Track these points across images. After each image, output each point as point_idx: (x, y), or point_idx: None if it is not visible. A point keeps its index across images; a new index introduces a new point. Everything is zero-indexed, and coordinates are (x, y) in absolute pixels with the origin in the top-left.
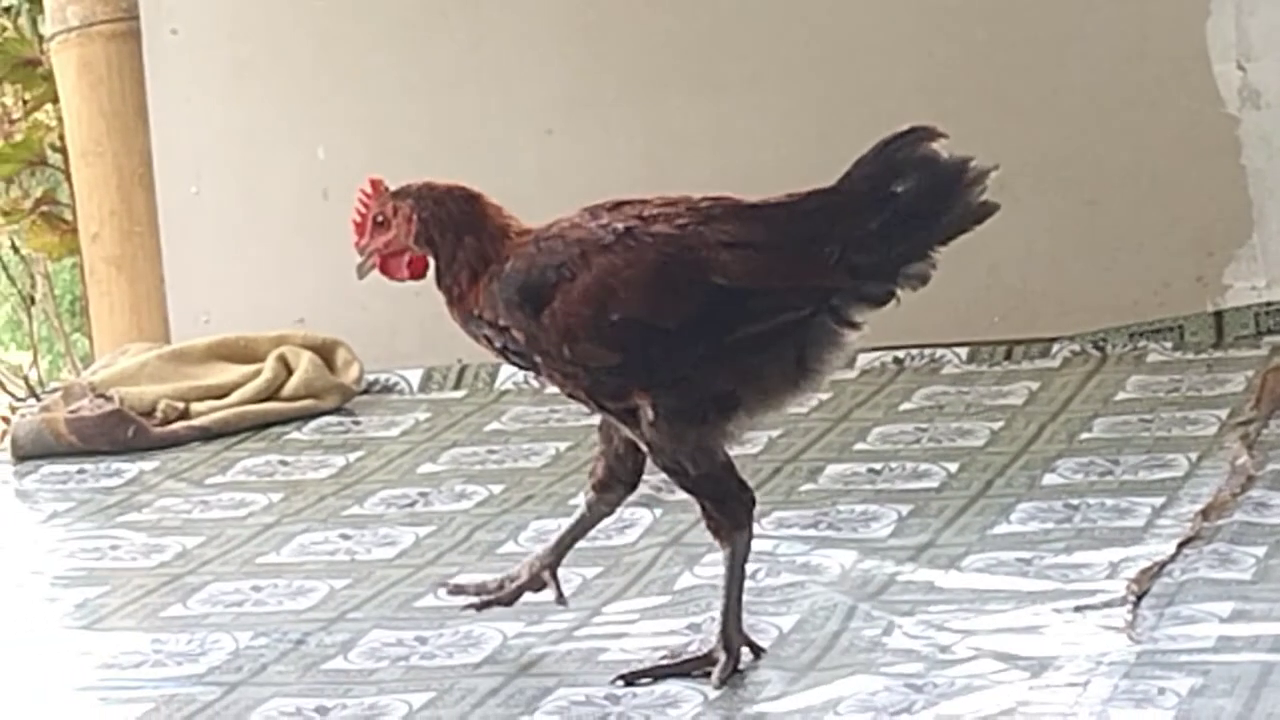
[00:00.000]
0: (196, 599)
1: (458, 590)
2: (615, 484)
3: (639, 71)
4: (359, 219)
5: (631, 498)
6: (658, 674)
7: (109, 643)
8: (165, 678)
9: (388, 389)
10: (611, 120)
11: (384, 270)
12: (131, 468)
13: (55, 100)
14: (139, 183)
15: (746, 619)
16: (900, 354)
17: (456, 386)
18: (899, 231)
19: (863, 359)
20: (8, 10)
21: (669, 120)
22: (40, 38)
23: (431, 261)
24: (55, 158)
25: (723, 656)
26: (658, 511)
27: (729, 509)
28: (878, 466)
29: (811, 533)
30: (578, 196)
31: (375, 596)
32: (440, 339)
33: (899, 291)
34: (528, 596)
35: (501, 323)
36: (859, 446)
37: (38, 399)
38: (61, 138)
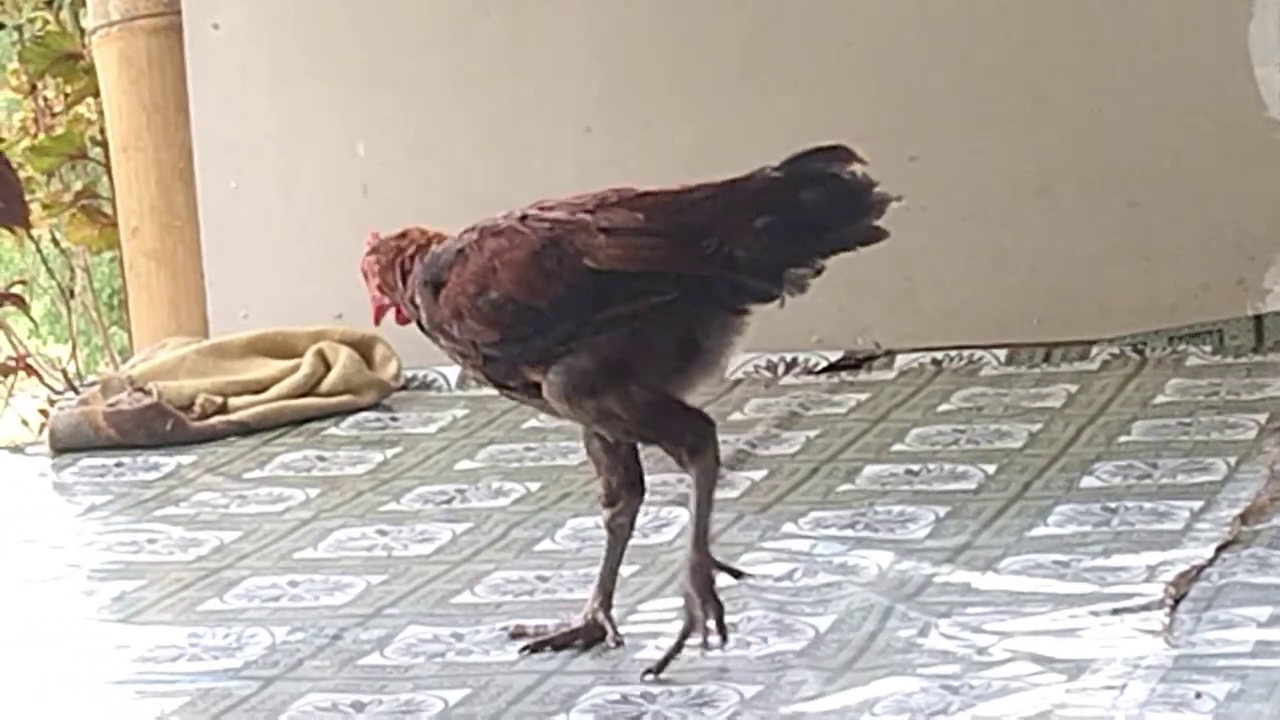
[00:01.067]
0: (233, 593)
1: (519, 632)
2: (621, 492)
3: (678, 69)
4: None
5: (669, 497)
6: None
7: (146, 636)
8: (201, 671)
9: (426, 385)
10: (651, 118)
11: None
12: (169, 462)
13: (96, 94)
14: (179, 177)
15: (783, 618)
16: (939, 355)
17: None
18: (785, 235)
19: (901, 360)
20: (50, 4)
21: (708, 118)
22: (82, 31)
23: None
24: (96, 151)
25: (695, 610)
26: None
27: (676, 436)
28: (915, 468)
29: (849, 533)
30: None
31: (412, 593)
32: None
33: (781, 293)
34: (564, 595)
35: (416, 300)
36: (897, 447)
37: (76, 392)
38: (102, 131)
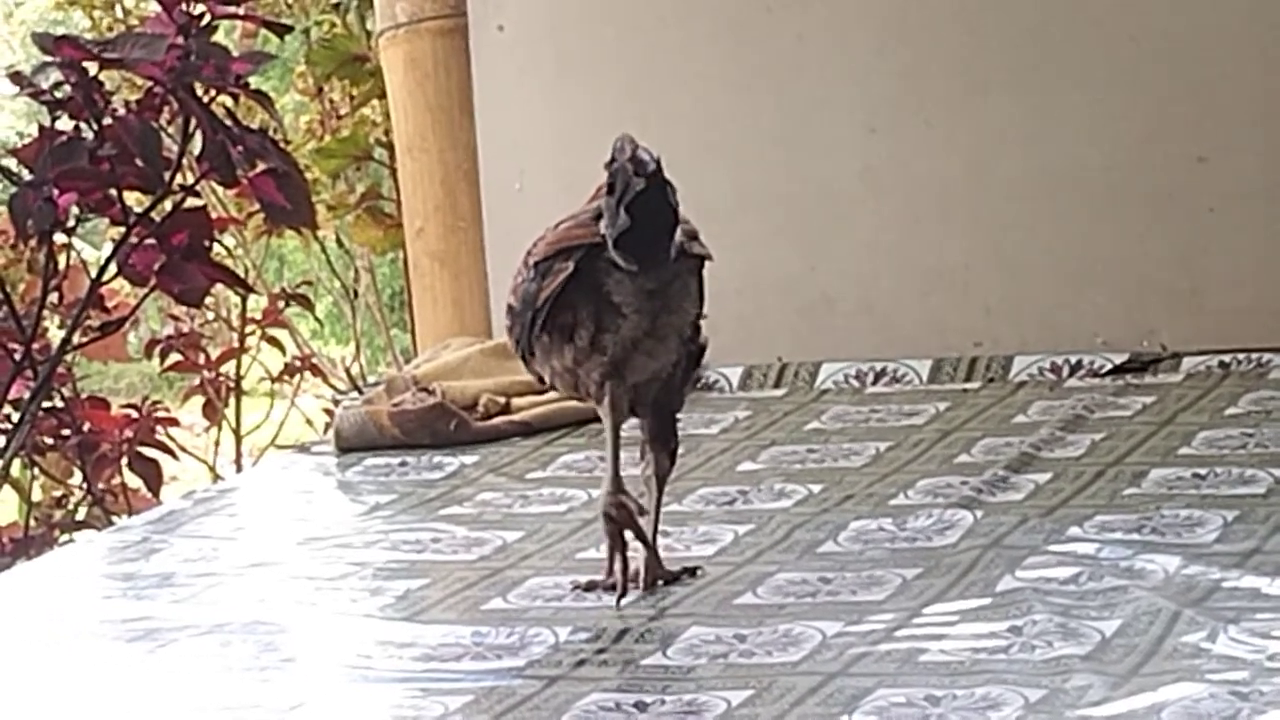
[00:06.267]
0: (516, 593)
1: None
2: None
3: (961, 70)
4: None
5: (951, 499)
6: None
7: (430, 634)
8: (485, 670)
9: (707, 387)
10: (934, 118)
11: None
12: (453, 461)
13: (382, 96)
14: (463, 178)
15: (1068, 622)
16: (1226, 358)
17: (776, 385)
18: (613, 214)
19: (1188, 362)
20: (336, 7)
21: (991, 119)
22: (368, 34)
23: None
24: (380, 153)
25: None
26: (978, 513)
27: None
28: (1203, 471)
29: (1135, 537)
30: (899, 194)
31: (694, 594)
32: (760, 337)
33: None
34: (847, 597)
35: None
36: (1183, 451)
37: (360, 392)
38: (387, 133)
